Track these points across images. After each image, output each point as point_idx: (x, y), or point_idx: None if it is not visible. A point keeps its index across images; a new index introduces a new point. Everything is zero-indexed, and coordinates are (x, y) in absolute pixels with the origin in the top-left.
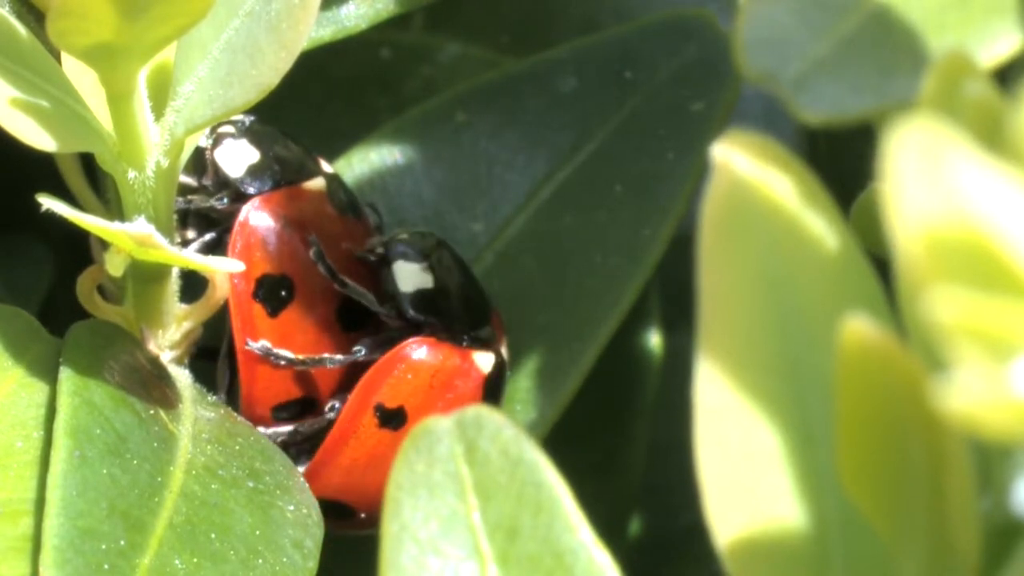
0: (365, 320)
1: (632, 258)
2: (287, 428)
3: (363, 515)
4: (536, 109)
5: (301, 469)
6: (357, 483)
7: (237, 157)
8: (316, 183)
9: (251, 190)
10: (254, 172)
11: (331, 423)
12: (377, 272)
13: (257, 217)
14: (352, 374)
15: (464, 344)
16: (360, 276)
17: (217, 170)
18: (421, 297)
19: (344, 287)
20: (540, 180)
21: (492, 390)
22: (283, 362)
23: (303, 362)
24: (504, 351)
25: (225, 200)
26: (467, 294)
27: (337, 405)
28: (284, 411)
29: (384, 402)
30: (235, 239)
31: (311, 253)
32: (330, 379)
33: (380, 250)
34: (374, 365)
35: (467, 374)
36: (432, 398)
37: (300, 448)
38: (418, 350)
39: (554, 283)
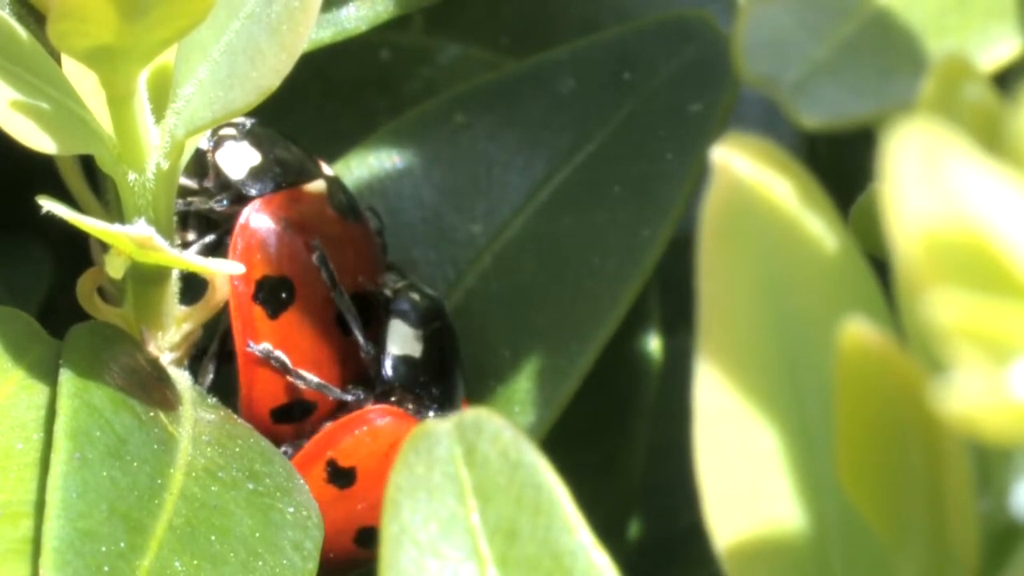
0: (364, 325)
1: (631, 259)
2: None
3: None
4: (535, 110)
5: None
6: None
7: (238, 159)
8: (316, 185)
9: (252, 192)
10: (255, 174)
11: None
12: (377, 307)
13: (258, 219)
14: (349, 378)
15: (427, 419)
16: (359, 284)
17: (218, 172)
18: (404, 362)
19: (340, 298)
20: (539, 181)
21: None
22: (278, 366)
23: (299, 376)
24: None
25: (225, 202)
26: (448, 373)
27: (290, 451)
28: (282, 414)
29: (337, 459)
30: (235, 241)
31: (314, 258)
32: (335, 384)
33: (387, 294)
34: (337, 420)
35: None
36: (385, 466)
37: None
38: (383, 419)
39: (553, 284)
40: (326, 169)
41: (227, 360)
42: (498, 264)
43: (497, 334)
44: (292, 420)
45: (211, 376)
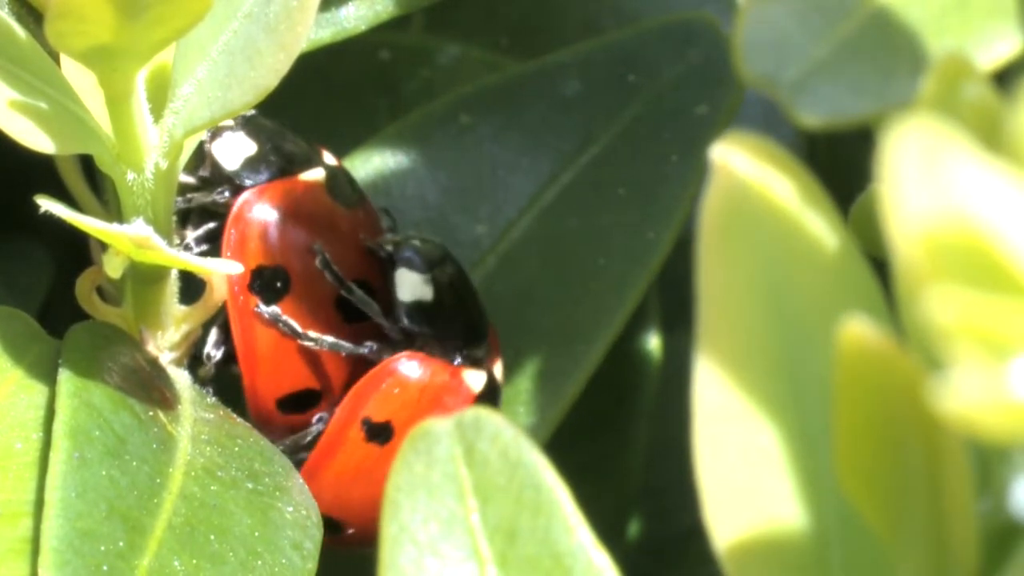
0: (364, 314)
1: (636, 261)
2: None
3: (352, 531)
4: (540, 112)
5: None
6: (345, 498)
7: (234, 150)
8: (315, 174)
9: (248, 183)
10: (251, 164)
11: (319, 435)
12: (383, 269)
13: (251, 209)
14: (357, 368)
15: (456, 362)
16: (364, 269)
17: (214, 163)
18: (418, 308)
19: (351, 294)
20: (544, 183)
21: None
22: (287, 331)
23: (309, 338)
24: (498, 372)
25: (226, 193)
26: (465, 311)
27: (325, 416)
28: (289, 404)
29: (371, 416)
30: (229, 231)
31: (317, 262)
32: (335, 370)
33: (388, 248)
34: (363, 378)
35: (456, 392)
36: (420, 414)
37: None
38: (407, 365)
39: (557, 286)
40: (328, 158)
41: (227, 359)
42: (502, 265)
43: (501, 335)
44: (301, 410)
45: (212, 370)
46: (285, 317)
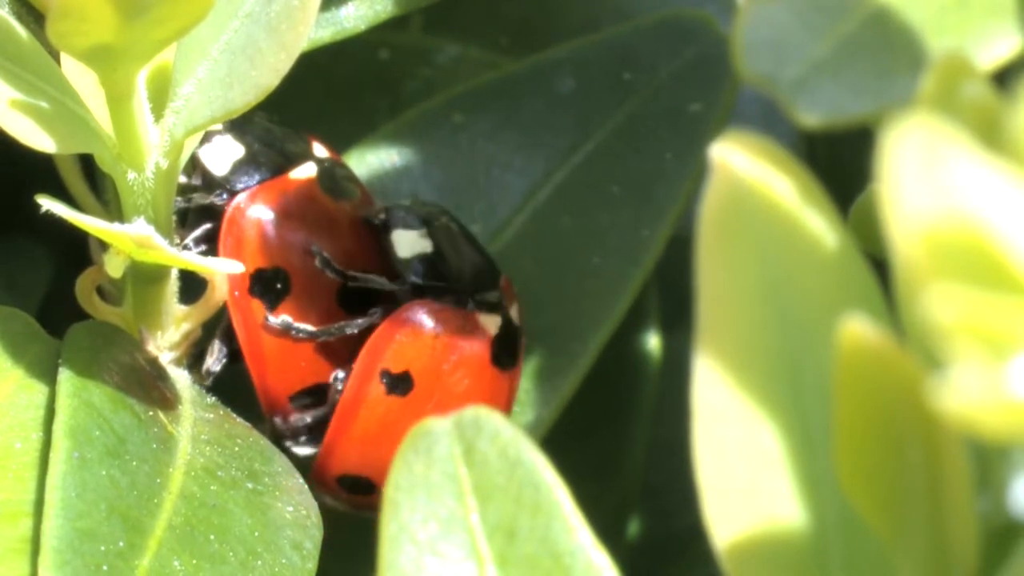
0: (368, 301)
1: (631, 259)
2: (300, 415)
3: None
4: (534, 110)
5: (317, 450)
6: (373, 454)
7: (223, 155)
8: (306, 170)
9: (239, 186)
10: (240, 168)
11: (338, 397)
12: (382, 241)
13: (244, 213)
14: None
15: (469, 307)
16: (363, 253)
17: (204, 170)
18: (420, 262)
19: (355, 281)
20: (538, 181)
21: (502, 351)
22: (303, 335)
23: (328, 333)
24: (515, 314)
25: (224, 195)
26: (470, 259)
27: (342, 375)
28: (302, 400)
29: (389, 368)
30: (225, 237)
31: (316, 262)
32: (344, 362)
33: (382, 216)
34: (376, 331)
35: (471, 336)
36: (436, 361)
37: (316, 432)
38: (417, 313)
39: (553, 284)
40: (319, 150)
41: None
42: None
43: None
44: (313, 406)
45: (214, 374)
46: (296, 324)
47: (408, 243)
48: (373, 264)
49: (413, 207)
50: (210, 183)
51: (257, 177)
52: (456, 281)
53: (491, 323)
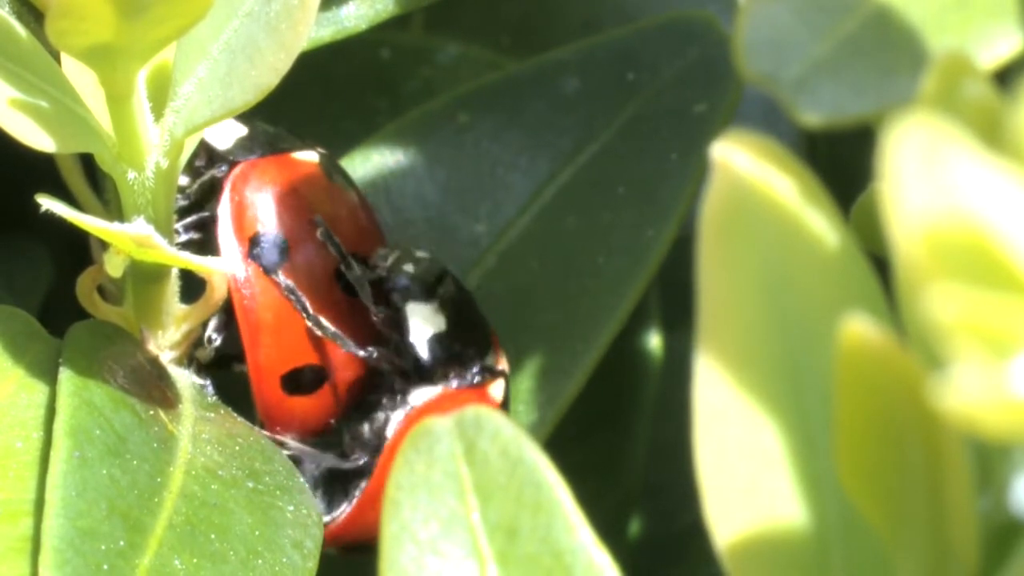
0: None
1: (635, 259)
2: (311, 451)
3: None
4: (539, 110)
5: (336, 514)
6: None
7: (225, 132)
8: (307, 155)
9: (241, 159)
10: (243, 143)
11: (357, 470)
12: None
13: (246, 178)
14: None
15: (477, 382)
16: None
17: (206, 146)
18: (436, 342)
19: (349, 269)
20: (543, 181)
21: (502, 408)
22: (299, 306)
23: (317, 321)
24: (505, 367)
25: (224, 168)
26: (473, 323)
27: (363, 459)
28: (293, 381)
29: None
30: (224, 202)
31: (318, 233)
32: (339, 348)
33: (383, 274)
34: (395, 434)
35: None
36: None
37: (330, 490)
38: (439, 419)
39: (557, 284)
40: (322, 152)
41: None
42: (502, 264)
43: (500, 333)
44: (305, 390)
45: (212, 354)
46: (299, 292)
47: (422, 321)
48: (368, 254)
49: (418, 272)
50: (212, 157)
51: (259, 152)
52: (467, 356)
53: (497, 390)
